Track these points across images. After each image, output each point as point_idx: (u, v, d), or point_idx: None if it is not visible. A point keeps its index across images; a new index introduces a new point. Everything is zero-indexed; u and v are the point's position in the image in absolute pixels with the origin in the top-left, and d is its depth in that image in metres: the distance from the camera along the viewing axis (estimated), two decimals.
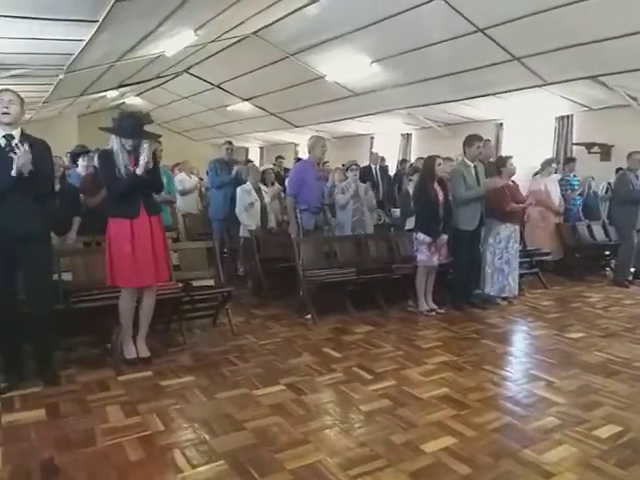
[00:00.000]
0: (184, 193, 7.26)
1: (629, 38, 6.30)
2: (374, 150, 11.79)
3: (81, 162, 5.40)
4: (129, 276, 3.37)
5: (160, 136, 3.69)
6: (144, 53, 8.56)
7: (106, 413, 2.81)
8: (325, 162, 9.05)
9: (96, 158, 4.54)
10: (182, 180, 7.34)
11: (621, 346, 4.17)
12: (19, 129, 3.04)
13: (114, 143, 3.37)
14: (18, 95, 3.03)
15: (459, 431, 2.69)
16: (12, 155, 2.88)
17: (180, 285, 3.90)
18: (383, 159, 9.76)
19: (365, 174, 8.39)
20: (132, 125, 3.34)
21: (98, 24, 5.75)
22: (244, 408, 2.90)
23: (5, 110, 2.94)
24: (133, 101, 15.22)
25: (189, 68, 11.30)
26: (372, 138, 13.71)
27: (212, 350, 3.87)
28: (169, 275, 3.63)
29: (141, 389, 3.13)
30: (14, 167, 2.85)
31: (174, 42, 8.10)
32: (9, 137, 2.98)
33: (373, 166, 9.10)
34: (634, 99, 8.12)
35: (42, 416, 2.76)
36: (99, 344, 3.83)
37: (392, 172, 10.03)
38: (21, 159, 2.84)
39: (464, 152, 5.26)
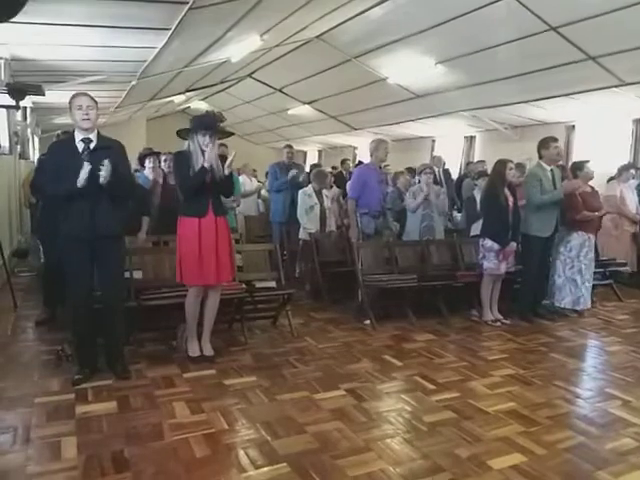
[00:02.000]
0: (244, 196, 7.40)
1: None
2: (435, 153, 11.56)
3: (148, 164, 5.60)
4: (195, 274, 3.47)
5: (233, 134, 3.78)
6: (211, 59, 8.83)
7: (173, 409, 2.90)
8: (386, 165, 8.98)
9: (169, 160, 4.73)
10: (243, 182, 7.49)
11: None
12: (95, 132, 3.19)
13: (190, 144, 3.48)
14: (94, 99, 3.17)
15: (528, 448, 2.58)
16: (86, 162, 3.01)
17: (243, 286, 3.97)
18: (444, 163, 9.54)
19: None
20: (211, 120, 3.49)
21: (171, 31, 5.98)
22: (305, 411, 2.91)
23: (85, 117, 3.08)
24: (198, 105, 15.73)
25: (253, 73, 11.54)
26: (433, 141, 13.44)
27: (273, 351, 3.91)
28: (233, 276, 3.69)
29: (205, 387, 3.21)
30: (100, 179, 2.99)
31: (240, 47, 8.30)
32: (87, 140, 3.14)
33: (436, 169, 8.90)
34: None
35: (114, 408, 2.89)
36: (166, 341, 3.97)
37: (454, 176, 9.78)
38: (104, 173, 2.98)
39: (540, 155, 5.03)
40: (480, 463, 2.43)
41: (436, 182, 7.98)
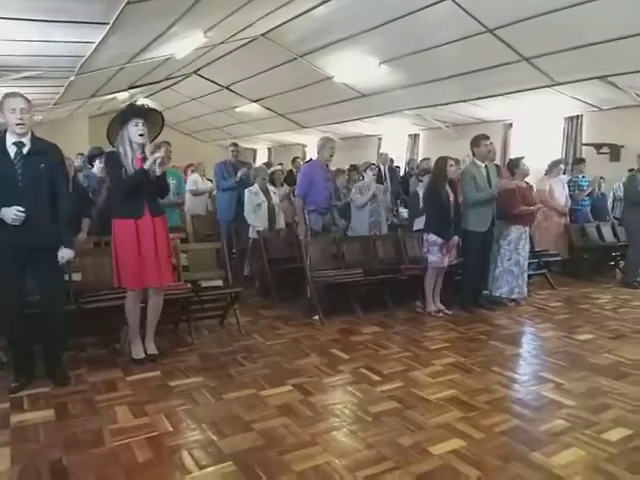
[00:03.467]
0: (196, 194, 7.27)
1: (638, 38, 6.24)
2: (382, 151, 11.77)
3: (97, 164, 5.44)
4: (134, 277, 3.37)
5: (160, 113, 3.65)
6: (154, 55, 8.62)
7: (115, 413, 2.83)
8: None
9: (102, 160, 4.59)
10: (195, 181, 7.36)
11: (630, 348, 4.13)
12: (29, 134, 3.02)
13: (120, 144, 3.38)
14: (28, 100, 3.00)
15: (467, 433, 2.68)
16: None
17: (189, 285, 3.92)
18: (392, 160, 9.72)
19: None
20: (141, 107, 3.44)
21: (109, 26, 5.80)
22: (252, 409, 2.91)
23: (19, 121, 2.91)
24: (143, 102, 15.32)
25: (198, 70, 11.36)
26: (380, 139, 13.69)
27: (220, 350, 3.88)
28: (172, 278, 3.61)
29: (149, 389, 3.15)
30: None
31: (184, 44, 8.15)
32: (19, 144, 2.96)
33: (382, 167, 9.07)
34: None
35: (51, 416, 2.78)
36: (108, 344, 3.86)
37: (402, 172, 10.00)
38: None
39: (473, 153, 5.23)
40: (422, 450, 2.51)
41: (380, 179, 8.15)
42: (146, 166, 3.32)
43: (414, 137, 12.69)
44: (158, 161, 3.31)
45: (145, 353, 3.56)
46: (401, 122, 11.87)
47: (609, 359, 3.88)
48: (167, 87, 12.94)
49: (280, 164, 9.76)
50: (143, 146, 3.42)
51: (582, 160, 7.87)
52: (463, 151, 6.45)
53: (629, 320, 4.99)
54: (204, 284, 4.00)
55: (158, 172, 3.32)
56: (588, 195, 7.47)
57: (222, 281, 4.28)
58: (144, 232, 3.35)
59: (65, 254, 3.06)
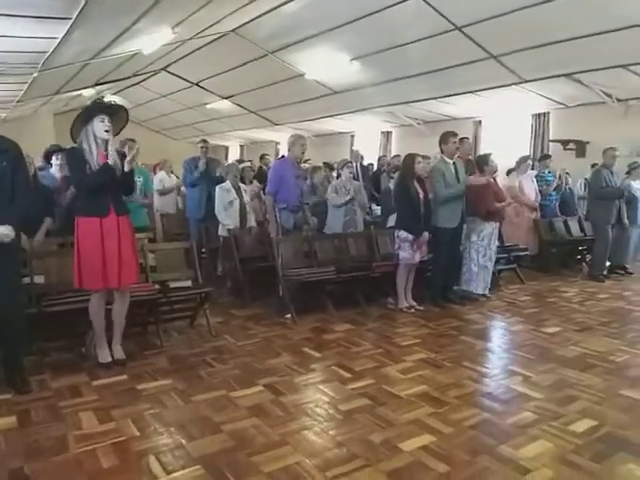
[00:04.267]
0: (163, 193, 7.16)
1: (603, 36, 6.40)
2: (354, 148, 11.79)
3: (55, 161, 5.27)
4: (97, 278, 3.28)
5: (125, 109, 3.56)
6: (120, 51, 8.43)
7: (79, 419, 2.74)
8: (307, 159, 8.98)
9: (61, 157, 4.47)
10: (162, 179, 7.24)
11: (596, 340, 4.23)
12: None
13: (85, 140, 3.29)
14: None
15: (437, 429, 2.70)
16: None
17: (156, 287, 3.84)
18: (362, 157, 9.73)
19: None
20: (107, 103, 3.37)
21: (71, 21, 5.64)
22: (221, 410, 2.87)
23: None
24: (111, 99, 14.97)
25: (167, 66, 11.16)
26: (352, 136, 13.72)
27: (190, 352, 3.82)
28: (137, 279, 3.53)
29: (116, 394, 3.07)
30: None
31: (151, 40, 7.99)
32: None
33: (354, 164, 9.07)
34: (609, 96, 8.27)
35: (13, 423, 2.69)
36: (74, 348, 3.75)
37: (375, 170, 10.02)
38: None
39: (441, 150, 5.28)
40: (392, 447, 2.52)
41: (354, 177, 8.15)
42: (110, 161, 3.25)
43: (387, 134, 12.76)
44: (128, 158, 3.25)
45: (112, 357, 3.47)
46: (373, 119, 11.92)
47: (575, 351, 3.96)
48: (136, 84, 12.68)
49: (250, 161, 9.68)
50: (107, 142, 3.34)
51: (548, 156, 8.03)
52: (435, 148, 6.50)
53: (595, 313, 5.11)
54: (172, 285, 3.92)
55: (127, 168, 3.25)
56: (555, 190, 7.63)
57: (191, 281, 4.21)
58: (108, 231, 3.27)
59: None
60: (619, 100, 8.35)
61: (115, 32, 7.19)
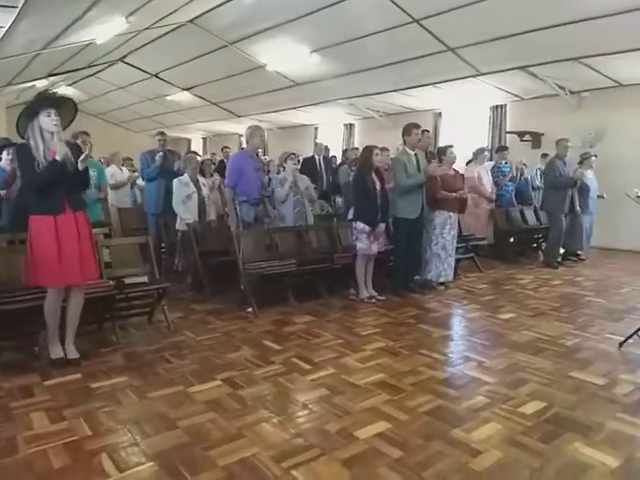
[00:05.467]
0: (115, 187, 6.98)
1: (556, 29, 6.59)
2: (318, 140, 11.79)
3: (5, 156, 5.08)
4: (54, 275, 3.20)
5: (73, 102, 3.44)
6: (73, 41, 8.16)
7: (30, 420, 2.67)
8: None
9: (11, 153, 4.31)
10: (113, 174, 7.06)
11: (548, 324, 4.39)
12: None
13: (31, 136, 3.18)
14: None
15: (393, 415, 2.74)
16: None
17: (110, 283, 3.75)
18: (327, 149, 9.73)
19: (309, 165, 8.37)
20: (52, 96, 3.22)
21: (18, 9, 5.43)
22: (178, 406, 2.84)
23: None
24: (65, 91, 14.46)
25: (124, 57, 10.88)
26: (316, 128, 13.73)
27: (147, 349, 3.75)
28: (97, 273, 3.47)
29: (69, 393, 3.00)
30: None
31: (105, 29, 7.77)
32: None
33: (317, 157, 9.08)
34: (562, 88, 8.53)
35: None
36: (26, 348, 3.63)
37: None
38: None
39: (404, 141, 5.35)
40: (348, 435, 2.55)
41: (315, 169, 8.16)
42: (59, 157, 3.15)
43: (349, 126, 12.80)
44: (81, 157, 3.17)
45: (65, 356, 3.39)
46: (336, 111, 11.94)
47: (528, 336, 4.10)
48: (92, 75, 12.32)
49: (213, 154, 9.56)
50: (55, 137, 3.22)
51: (505, 147, 8.23)
52: (397, 140, 6.58)
53: (548, 298, 5.30)
54: (128, 281, 3.84)
55: (80, 167, 3.17)
56: (511, 180, 7.83)
57: (148, 277, 4.13)
58: (66, 229, 3.18)
59: None
60: (572, 92, 8.62)
61: (66, 21, 6.97)
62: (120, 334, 3.92)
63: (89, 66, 11.12)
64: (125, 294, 3.82)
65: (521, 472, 2.27)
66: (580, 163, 7.14)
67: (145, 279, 4.04)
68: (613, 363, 3.54)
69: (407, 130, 5.29)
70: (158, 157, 5.90)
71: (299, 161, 7.03)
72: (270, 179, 6.35)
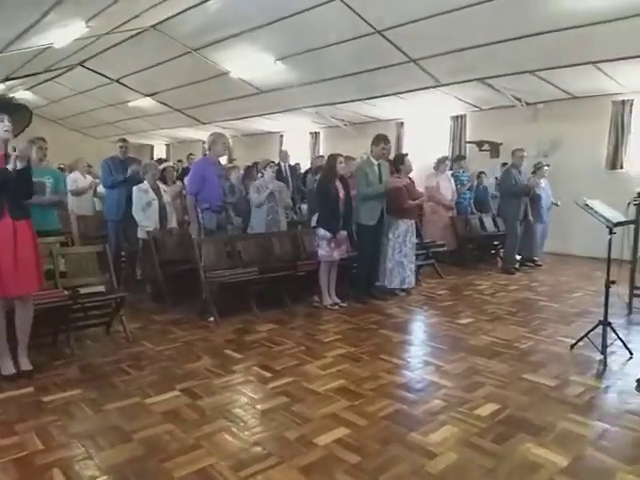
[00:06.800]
0: (77, 193, 6.82)
1: (512, 43, 6.83)
2: (284, 148, 11.82)
3: None
4: None
5: (27, 107, 3.37)
6: (30, 45, 7.95)
7: None
8: (233, 159, 8.85)
9: None
10: (76, 180, 6.90)
11: (504, 328, 4.52)
12: None
13: None
14: None
15: (352, 421, 2.77)
16: None
17: (66, 293, 3.65)
18: (287, 155, 9.73)
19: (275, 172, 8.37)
20: (5, 101, 3.17)
21: None
22: (134, 418, 2.78)
23: None
24: (23, 95, 14.01)
25: (84, 61, 10.62)
26: (282, 136, 13.76)
27: (104, 360, 3.66)
28: (39, 286, 3.30)
29: (20, 407, 2.90)
30: None
31: (64, 33, 7.61)
32: None
33: (282, 164, 9.10)
34: (518, 100, 8.83)
35: None
36: None
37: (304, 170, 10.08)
38: None
39: (371, 150, 5.43)
40: (307, 442, 2.56)
41: (281, 177, 8.18)
42: (10, 166, 3.06)
43: (315, 135, 12.89)
44: (15, 154, 3.05)
45: (17, 369, 3.27)
46: (302, 120, 12.01)
47: (485, 340, 4.21)
48: (50, 79, 11.98)
49: (179, 161, 9.45)
50: (6, 143, 3.13)
51: (462, 157, 8.47)
52: (363, 148, 6.69)
53: (505, 303, 5.46)
54: (84, 290, 3.74)
55: (19, 165, 3.07)
56: (469, 189, 8.04)
57: (105, 286, 4.04)
58: (2, 237, 3.06)
59: None
60: (528, 104, 8.94)
61: (23, 24, 6.79)
62: (76, 345, 3.81)
63: (46, 70, 10.81)
64: (81, 304, 3.72)
65: (475, 473, 2.33)
66: (533, 173, 7.39)
67: (102, 288, 3.95)
68: (565, 365, 3.67)
69: (376, 141, 5.39)
70: (131, 170, 5.78)
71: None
72: (231, 186, 6.33)
